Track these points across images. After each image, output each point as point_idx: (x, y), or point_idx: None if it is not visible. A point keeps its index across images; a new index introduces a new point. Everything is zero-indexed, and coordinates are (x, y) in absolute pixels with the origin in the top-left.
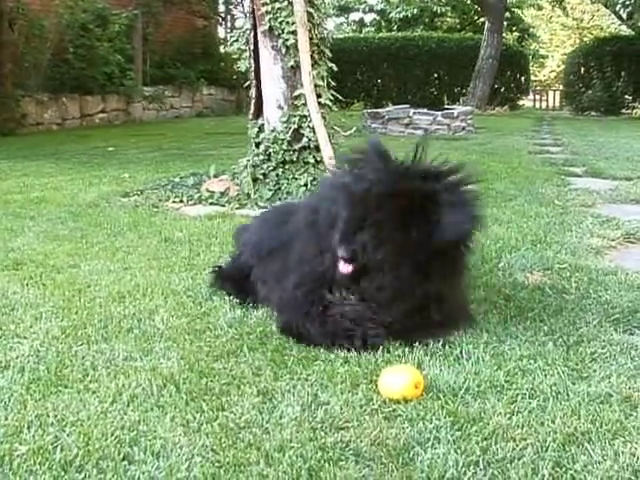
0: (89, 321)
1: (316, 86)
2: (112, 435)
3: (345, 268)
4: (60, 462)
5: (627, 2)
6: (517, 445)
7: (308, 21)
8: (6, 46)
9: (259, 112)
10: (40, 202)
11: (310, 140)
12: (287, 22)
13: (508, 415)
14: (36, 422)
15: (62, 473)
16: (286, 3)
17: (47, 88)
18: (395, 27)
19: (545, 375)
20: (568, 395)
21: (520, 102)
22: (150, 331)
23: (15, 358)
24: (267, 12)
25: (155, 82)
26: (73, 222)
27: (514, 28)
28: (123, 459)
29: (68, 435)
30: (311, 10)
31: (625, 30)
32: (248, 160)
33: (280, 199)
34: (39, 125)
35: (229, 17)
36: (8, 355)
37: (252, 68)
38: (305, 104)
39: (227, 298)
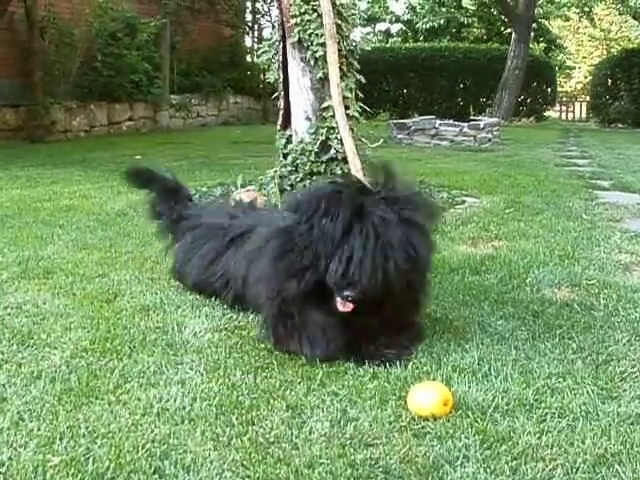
0: (118, 332)
1: (344, 98)
2: (143, 448)
3: (346, 307)
4: (92, 474)
5: None
6: (547, 465)
7: (337, 33)
8: (36, 54)
9: (287, 123)
10: (69, 210)
11: (338, 152)
12: (316, 34)
13: (537, 434)
14: (68, 433)
15: None
16: (315, 15)
17: (76, 96)
18: (421, 37)
19: (574, 394)
20: (598, 415)
21: (546, 113)
22: (179, 343)
23: (47, 368)
24: (296, 24)
25: (182, 90)
26: (102, 231)
27: (541, 39)
28: (154, 472)
29: (100, 447)
30: (340, 22)
31: None
32: (275, 171)
33: None
34: (67, 132)
35: (256, 26)
36: (40, 365)
37: (280, 79)
38: (333, 116)
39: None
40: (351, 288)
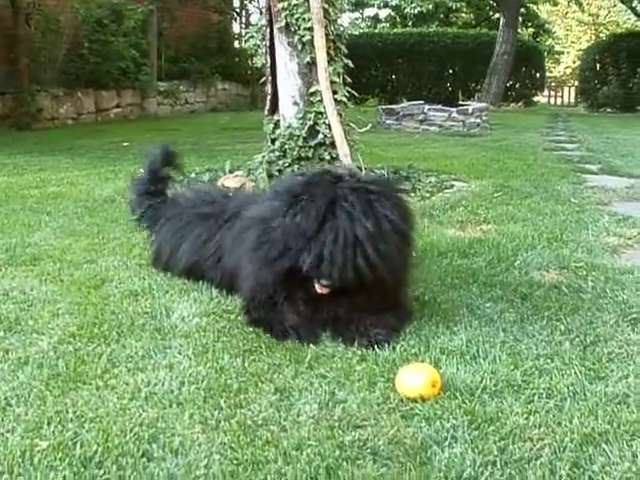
0: (106, 318)
1: (332, 82)
2: (131, 432)
3: (324, 290)
4: (80, 458)
5: None
6: (534, 445)
7: (324, 17)
8: (22, 41)
9: (275, 108)
10: (57, 197)
11: (326, 137)
12: (303, 18)
13: (525, 415)
14: (56, 418)
15: (82, 469)
16: (302, 0)
17: (62, 83)
18: (410, 23)
19: (562, 375)
20: (585, 395)
21: (535, 98)
22: (167, 328)
23: (34, 354)
24: (283, 9)
25: (170, 77)
26: (90, 217)
27: (529, 24)
28: (142, 456)
29: (87, 431)
30: (327, 6)
31: None
32: (263, 156)
33: None
34: (54, 120)
35: (244, 12)
36: (27, 351)
37: (268, 64)
38: (321, 100)
39: None
40: (325, 278)
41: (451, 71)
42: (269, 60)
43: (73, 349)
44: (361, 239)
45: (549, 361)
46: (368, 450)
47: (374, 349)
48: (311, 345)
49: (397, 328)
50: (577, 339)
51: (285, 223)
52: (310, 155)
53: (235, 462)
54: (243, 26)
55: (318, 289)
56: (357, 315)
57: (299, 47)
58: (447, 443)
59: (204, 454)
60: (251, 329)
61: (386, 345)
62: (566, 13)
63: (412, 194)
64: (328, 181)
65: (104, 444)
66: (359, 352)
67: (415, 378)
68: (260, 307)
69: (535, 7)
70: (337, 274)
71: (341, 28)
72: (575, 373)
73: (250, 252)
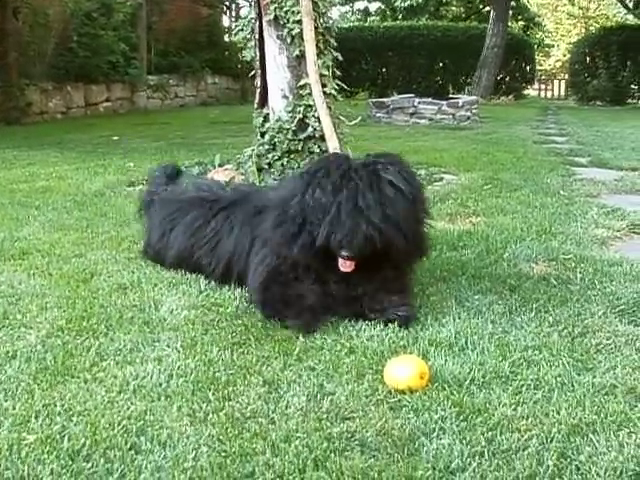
0: (95, 311)
1: (321, 75)
2: (119, 425)
3: (348, 267)
4: (68, 451)
5: None
6: (522, 436)
7: (313, 10)
8: (10, 35)
9: (264, 101)
10: (45, 191)
11: (315, 130)
12: (292, 11)
13: (513, 406)
14: (43, 411)
15: (70, 462)
16: None
17: (51, 77)
18: (400, 16)
19: (550, 366)
20: (573, 386)
21: (525, 91)
22: (156, 321)
23: (22, 348)
24: (272, 1)
25: (160, 71)
26: (79, 211)
27: (519, 17)
28: (130, 449)
29: (75, 425)
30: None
31: (631, 20)
32: (253, 149)
33: None
34: (43, 114)
35: (233, 5)
36: (15, 345)
37: (257, 57)
38: (310, 94)
39: (236, 289)
40: (346, 248)
41: (441, 64)
42: (258, 53)
43: (61, 342)
44: (368, 205)
45: (537, 352)
46: (356, 442)
47: (403, 326)
48: (300, 337)
49: (414, 305)
50: (565, 330)
51: (303, 199)
52: (299, 148)
53: (223, 454)
54: (233, 19)
55: (342, 266)
56: (377, 293)
57: (288, 40)
58: (435, 434)
59: (192, 446)
60: (240, 322)
61: (409, 321)
62: (556, 6)
63: None
64: (341, 158)
65: (92, 437)
66: (347, 344)
67: (403, 370)
68: (277, 284)
69: (525, 0)
70: (351, 242)
71: (330, 21)
72: (563, 364)
73: (270, 230)
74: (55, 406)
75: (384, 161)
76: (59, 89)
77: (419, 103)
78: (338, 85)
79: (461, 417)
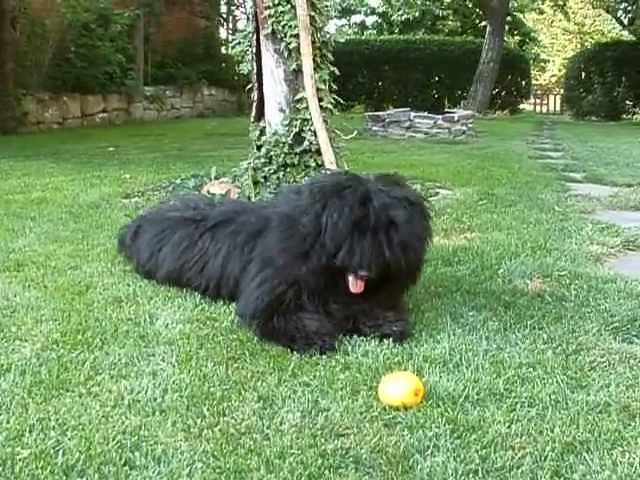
0: (90, 324)
1: (318, 90)
2: (113, 440)
3: (358, 288)
4: (62, 466)
5: (629, 8)
6: (516, 454)
7: (310, 25)
8: (8, 44)
9: (261, 115)
10: (41, 202)
11: (311, 143)
12: (290, 26)
13: (507, 423)
14: (38, 426)
15: (64, 477)
16: (289, 7)
17: (48, 87)
18: (397, 30)
19: (544, 384)
20: (567, 404)
21: (521, 106)
22: (151, 335)
23: (17, 361)
24: (270, 15)
25: (156, 82)
26: (74, 223)
27: (515, 32)
28: (124, 464)
29: (70, 439)
30: (314, 14)
31: (626, 36)
32: (249, 163)
33: None
34: (40, 124)
35: (231, 18)
36: (10, 358)
37: (254, 71)
38: (307, 107)
39: (231, 304)
40: (365, 269)
41: (437, 78)
42: (255, 67)
43: (56, 356)
44: (398, 224)
45: (531, 370)
46: (350, 459)
47: (398, 341)
48: (295, 352)
49: (409, 321)
50: (559, 348)
51: (318, 220)
52: (296, 162)
53: (218, 470)
54: (230, 32)
55: (352, 287)
56: (373, 310)
57: (285, 54)
58: (429, 452)
59: (186, 462)
60: (235, 336)
61: (404, 337)
62: (552, 22)
63: None
64: (354, 179)
65: (86, 452)
66: (342, 360)
67: (398, 386)
68: (281, 312)
69: (521, 15)
70: (371, 264)
71: (327, 35)
72: (557, 382)
73: (275, 249)
74: (49, 420)
75: (396, 181)
76: (56, 99)
77: (415, 117)
78: (334, 99)
79: (455, 434)
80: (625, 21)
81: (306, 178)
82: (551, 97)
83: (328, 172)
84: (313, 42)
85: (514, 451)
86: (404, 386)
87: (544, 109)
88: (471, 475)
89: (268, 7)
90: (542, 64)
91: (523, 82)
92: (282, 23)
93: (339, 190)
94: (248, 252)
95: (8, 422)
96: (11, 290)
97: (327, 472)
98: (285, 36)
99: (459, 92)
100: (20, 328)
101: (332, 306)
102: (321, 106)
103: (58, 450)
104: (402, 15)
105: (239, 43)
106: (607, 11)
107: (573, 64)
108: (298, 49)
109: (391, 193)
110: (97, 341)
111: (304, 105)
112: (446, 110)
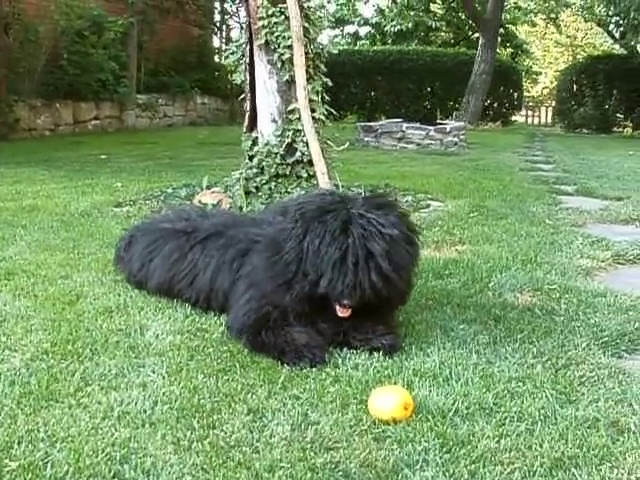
0: (80, 334)
1: (310, 101)
2: (103, 452)
3: (345, 313)
4: (51, 479)
5: (620, 22)
6: (505, 469)
7: (304, 36)
8: (1, 51)
9: (253, 125)
10: (32, 210)
11: (303, 154)
12: (283, 37)
13: (496, 438)
14: (27, 437)
15: None
16: (282, 18)
17: (41, 94)
18: (390, 40)
19: (533, 398)
20: (556, 419)
21: (513, 118)
22: (141, 346)
23: (6, 371)
24: (263, 26)
25: (149, 90)
26: (65, 232)
27: (508, 44)
28: (114, 477)
29: (59, 451)
30: (307, 25)
31: (618, 49)
32: (241, 173)
33: None
34: (32, 131)
35: (224, 27)
36: None
37: (247, 81)
38: (299, 118)
39: (222, 315)
40: (347, 298)
41: (430, 89)
42: (248, 77)
43: (46, 366)
44: (376, 257)
45: (521, 384)
46: (340, 472)
47: (388, 354)
48: (285, 365)
49: (400, 334)
50: (549, 362)
51: (299, 246)
52: (287, 172)
53: None
54: (223, 41)
55: (339, 312)
56: (363, 324)
57: (278, 65)
58: (419, 466)
59: (176, 475)
60: (225, 348)
61: (394, 350)
62: (544, 34)
63: None
64: (337, 203)
65: (75, 464)
66: (332, 373)
67: (387, 400)
68: (269, 328)
69: (514, 28)
70: (357, 294)
71: (320, 46)
72: (546, 396)
73: (261, 275)
74: (38, 432)
75: (382, 205)
76: (48, 106)
77: (407, 128)
78: (327, 110)
79: (444, 449)
80: (617, 35)
81: (297, 189)
82: (543, 109)
83: (318, 190)
84: (306, 53)
85: (503, 466)
86: (394, 400)
87: (536, 121)
88: None
89: (262, 18)
90: (534, 76)
91: (515, 94)
92: (275, 34)
93: (321, 214)
94: (236, 269)
95: None
96: (1, 299)
97: None
98: (278, 47)
99: (451, 103)
100: (10, 338)
101: (321, 325)
102: (313, 117)
103: (47, 462)
104: (395, 26)
105: (233, 53)
106: (599, 25)
107: (565, 76)
108: (291, 60)
109: (373, 220)
110: (87, 352)
111: (296, 116)
112: (438, 121)
